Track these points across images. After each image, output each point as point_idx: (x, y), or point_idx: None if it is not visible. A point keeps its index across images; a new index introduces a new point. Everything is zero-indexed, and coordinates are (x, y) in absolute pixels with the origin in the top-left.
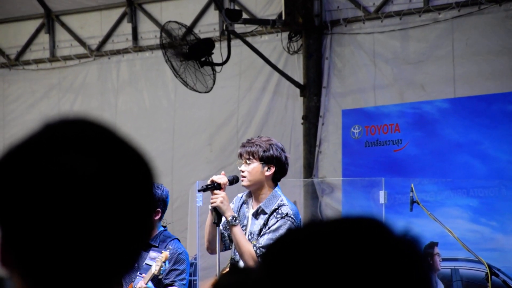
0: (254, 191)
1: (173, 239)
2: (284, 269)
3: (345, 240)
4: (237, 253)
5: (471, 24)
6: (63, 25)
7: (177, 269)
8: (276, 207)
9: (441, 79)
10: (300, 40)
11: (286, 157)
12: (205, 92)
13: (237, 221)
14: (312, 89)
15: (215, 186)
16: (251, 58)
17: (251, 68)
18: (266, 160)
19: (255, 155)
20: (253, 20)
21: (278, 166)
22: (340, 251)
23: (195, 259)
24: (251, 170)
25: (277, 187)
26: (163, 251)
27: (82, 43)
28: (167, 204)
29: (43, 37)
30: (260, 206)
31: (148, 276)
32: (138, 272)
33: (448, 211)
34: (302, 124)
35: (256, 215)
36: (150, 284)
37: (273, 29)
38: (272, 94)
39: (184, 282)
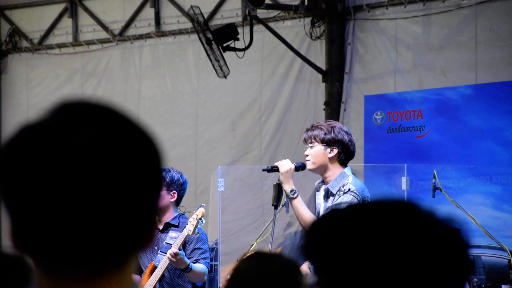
0: (321, 175)
1: None
2: (326, 250)
3: (382, 221)
4: None
5: (495, 10)
6: (86, 9)
7: (200, 248)
8: (341, 186)
9: (462, 65)
10: (323, 26)
11: (350, 139)
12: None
13: (296, 194)
14: (334, 75)
15: (277, 170)
16: (274, 43)
17: (273, 53)
18: (327, 142)
19: (316, 138)
20: (276, 5)
21: (342, 148)
22: (380, 232)
23: (216, 244)
24: (314, 152)
25: (346, 168)
26: (198, 208)
27: (104, 27)
28: (184, 190)
29: (66, 22)
30: (327, 188)
31: (180, 239)
32: (159, 251)
33: (470, 198)
34: (324, 110)
35: (326, 197)
36: (182, 251)
37: (296, 14)
38: (295, 80)
39: (207, 260)
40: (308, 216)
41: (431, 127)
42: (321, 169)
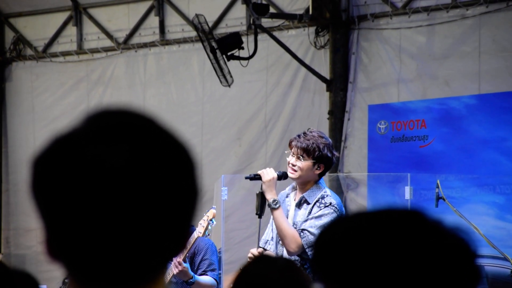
0: (299, 184)
1: None
2: (335, 258)
3: (393, 229)
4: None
5: (499, 21)
6: (91, 17)
7: (208, 259)
8: (320, 197)
9: (465, 75)
10: (327, 35)
11: (335, 155)
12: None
13: (278, 205)
14: (338, 84)
15: (260, 179)
16: (278, 52)
17: (278, 62)
18: (317, 159)
19: (309, 153)
20: (280, 14)
21: (327, 165)
22: (389, 240)
23: (219, 252)
24: (303, 167)
25: (321, 179)
26: (209, 210)
27: (109, 36)
28: None
29: (71, 30)
30: (303, 196)
31: (187, 247)
32: None
33: (474, 208)
34: (328, 119)
35: (299, 205)
36: (187, 264)
37: (300, 23)
38: (299, 89)
39: (215, 272)
40: (287, 228)
41: (435, 137)
42: (303, 181)
